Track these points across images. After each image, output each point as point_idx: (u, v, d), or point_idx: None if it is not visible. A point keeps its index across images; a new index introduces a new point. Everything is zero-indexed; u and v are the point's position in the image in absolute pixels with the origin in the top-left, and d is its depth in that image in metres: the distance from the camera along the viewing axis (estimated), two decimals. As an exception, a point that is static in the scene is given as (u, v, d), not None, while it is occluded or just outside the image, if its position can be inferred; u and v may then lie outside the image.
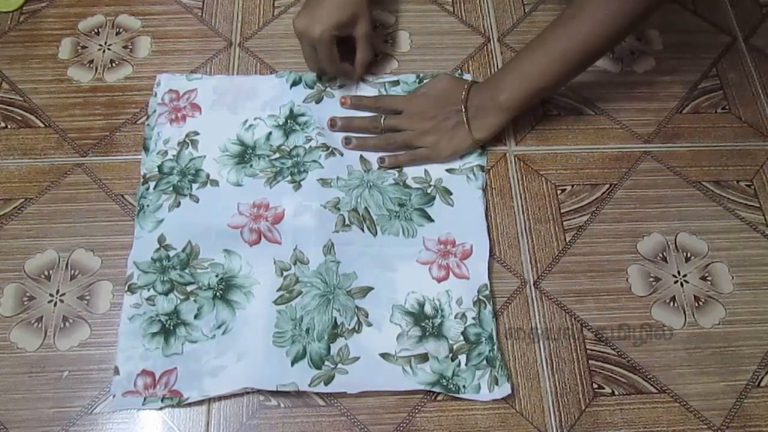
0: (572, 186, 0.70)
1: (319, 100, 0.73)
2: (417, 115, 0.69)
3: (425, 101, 0.69)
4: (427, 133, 0.68)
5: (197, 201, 0.66)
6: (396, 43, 0.78)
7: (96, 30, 0.78)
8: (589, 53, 0.63)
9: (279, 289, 0.62)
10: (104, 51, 0.76)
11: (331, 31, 0.65)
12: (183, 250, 0.63)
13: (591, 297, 0.64)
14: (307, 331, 0.60)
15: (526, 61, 0.66)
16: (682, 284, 0.65)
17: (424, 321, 0.61)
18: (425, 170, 0.69)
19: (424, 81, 0.74)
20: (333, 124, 0.70)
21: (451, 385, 0.58)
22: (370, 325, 0.61)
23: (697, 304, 0.64)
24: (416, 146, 0.68)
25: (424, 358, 0.59)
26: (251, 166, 0.68)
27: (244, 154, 0.69)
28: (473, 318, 0.61)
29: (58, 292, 0.62)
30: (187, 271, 0.62)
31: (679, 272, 0.65)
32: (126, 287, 0.61)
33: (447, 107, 0.68)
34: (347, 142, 0.69)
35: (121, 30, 0.78)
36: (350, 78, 0.73)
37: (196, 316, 0.60)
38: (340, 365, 0.59)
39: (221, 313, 0.61)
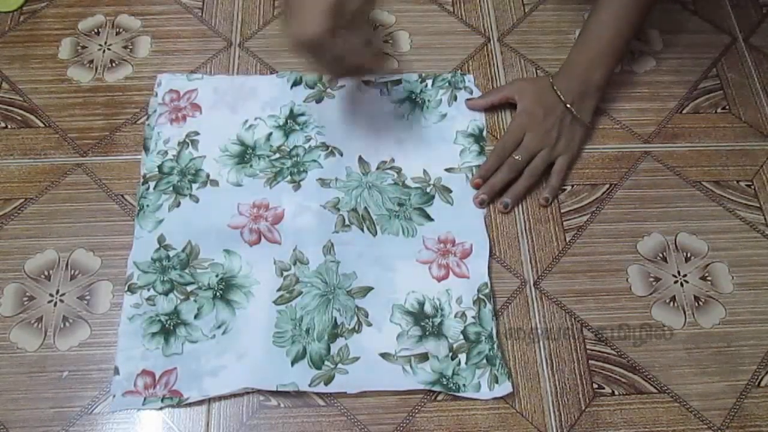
0: (572, 186, 0.70)
1: (319, 100, 0.73)
2: (540, 132, 0.68)
3: (535, 117, 0.68)
4: (557, 141, 0.68)
5: (197, 201, 0.66)
6: (396, 43, 0.78)
7: (96, 30, 0.78)
8: None
9: (279, 289, 0.62)
10: (104, 51, 0.76)
11: (328, 28, 0.54)
12: (183, 250, 0.63)
13: (591, 297, 0.64)
14: (307, 331, 0.60)
15: (597, 34, 0.68)
16: (682, 284, 0.65)
17: (424, 320, 0.61)
18: (424, 170, 0.69)
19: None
20: (482, 202, 0.67)
21: (451, 384, 0.58)
22: (370, 324, 0.61)
23: (697, 304, 0.64)
24: (554, 158, 0.68)
25: (424, 357, 0.59)
26: (251, 166, 0.68)
27: (245, 155, 0.69)
28: (473, 317, 0.61)
29: (58, 292, 0.62)
30: (187, 271, 0.62)
31: (679, 272, 0.65)
32: (126, 287, 0.61)
33: (554, 111, 0.68)
34: (504, 207, 0.67)
35: (121, 30, 0.78)
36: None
37: (196, 316, 0.60)
38: (340, 365, 0.59)
39: (221, 313, 0.61)
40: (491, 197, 0.67)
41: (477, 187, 0.68)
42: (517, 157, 0.67)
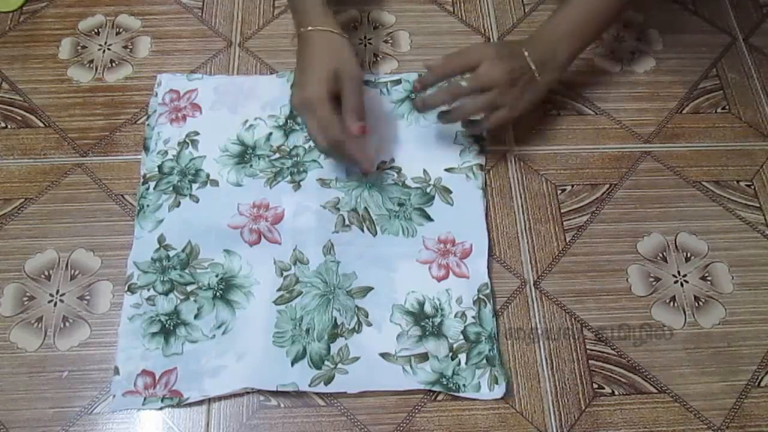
0: (572, 186, 0.70)
1: (319, 100, 0.73)
2: (498, 69, 0.63)
3: (500, 53, 0.64)
4: (509, 89, 0.64)
5: (197, 201, 0.66)
6: (396, 43, 0.78)
7: (96, 30, 0.78)
8: None
9: (279, 289, 0.62)
10: (104, 51, 0.76)
11: (323, 90, 0.61)
12: (183, 250, 0.63)
13: (591, 297, 0.64)
14: (307, 331, 0.60)
15: (572, 17, 0.67)
16: (682, 284, 0.65)
17: (424, 320, 0.61)
18: (424, 170, 0.69)
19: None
20: (416, 107, 0.66)
21: (451, 384, 0.58)
22: (370, 324, 0.61)
23: (697, 304, 0.64)
24: (497, 106, 0.64)
25: (424, 357, 0.59)
26: (251, 166, 0.68)
27: (244, 154, 0.69)
28: (473, 317, 0.61)
29: (58, 292, 0.62)
30: (187, 271, 0.62)
31: (679, 272, 0.65)
32: (126, 287, 0.61)
33: (519, 60, 0.64)
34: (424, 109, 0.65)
35: (121, 30, 0.78)
36: (362, 159, 0.64)
37: (196, 316, 0.60)
38: (340, 365, 0.59)
39: (221, 313, 0.61)
40: (424, 109, 0.66)
41: (414, 90, 0.67)
42: (462, 83, 0.64)
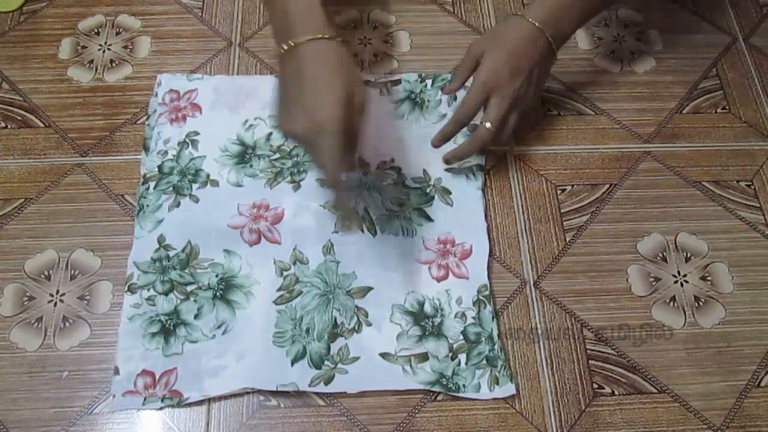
0: (572, 186, 0.70)
1: (319, 100, 0.73)
2: (509, 94, 0.61)
3: (501, 75, 0.60)
4: (525, 98, 0.63)
5: (197, 201, 0.66)
6: (396, 43, 0.78)
7: (96, 30, 0.78)
8: None
9: (279, 289, 0.62)
10: (104, 51, 0.76)
11: (340, 115, 0.50)
12: (183, 250, 0.63)
13: (591, 297, 0.64)
14: (307, 330, 0.60)
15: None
16: (682, 284, 0.65)
17: (424, 320, 0.61)
18: (424, 170, 0.69)
19: (428, 79, 0.74)
20: (447, 161, 0.66)
21: (451, 385, 0.58)
22: (369, 324, 0.61)
23: (697, 304, 0.64)
24: (514, 106, 0.63)
25: (423, 357, 0.59)
26: (251, 166, 0.68)
27: (245, 154, 0.69)
28: (473, 317, 0.61)
29: (58, 292, 0.62)
30: (187, 271, 0.62)
31: (679, 272, 0.65)
32: (126, 287, 0.61)
33: (522, 66, 0.62)
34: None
35: (121, 30, 0.78)
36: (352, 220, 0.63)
37: (196, 316, 0.60)
38: (340, 365, 0.59)
39: (221, 313, 0.61)
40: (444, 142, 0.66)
41: (436, 146, 0.66)
42: (488, 126, 0.62)
